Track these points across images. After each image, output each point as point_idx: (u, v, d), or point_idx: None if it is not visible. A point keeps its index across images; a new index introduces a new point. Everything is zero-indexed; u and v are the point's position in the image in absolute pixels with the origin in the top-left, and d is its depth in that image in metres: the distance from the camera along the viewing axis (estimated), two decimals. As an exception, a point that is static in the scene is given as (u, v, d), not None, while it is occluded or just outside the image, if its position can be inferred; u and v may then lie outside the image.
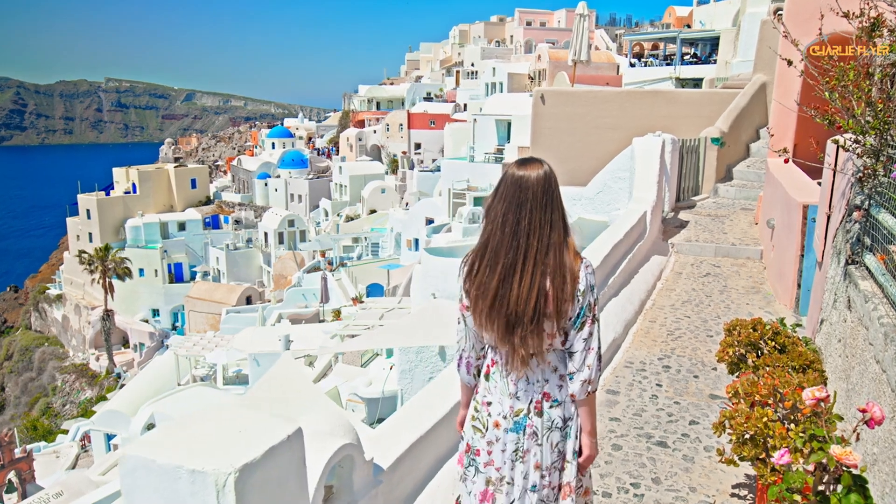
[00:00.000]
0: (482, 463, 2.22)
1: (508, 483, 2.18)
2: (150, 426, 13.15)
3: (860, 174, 3.42)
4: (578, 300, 2.10)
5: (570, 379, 2.15)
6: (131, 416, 19.06)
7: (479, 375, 2.30)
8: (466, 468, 2.27)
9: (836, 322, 3.74)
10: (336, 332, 20.79)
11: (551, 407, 2.16)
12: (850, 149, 3.29)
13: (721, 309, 6.34)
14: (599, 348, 2.19)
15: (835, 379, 3.62)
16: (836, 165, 4.14)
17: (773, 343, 3.73)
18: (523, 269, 2.07)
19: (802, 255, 6.07)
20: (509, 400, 2.17)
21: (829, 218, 4.24)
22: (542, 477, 2.16)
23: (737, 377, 3.87)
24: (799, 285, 6.16)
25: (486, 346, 2.27)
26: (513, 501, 2.18)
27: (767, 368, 3.40)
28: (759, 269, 7.78)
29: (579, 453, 2.22)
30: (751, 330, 3.79)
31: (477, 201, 32.49)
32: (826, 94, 3.24)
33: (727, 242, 8.51)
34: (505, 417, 2.17)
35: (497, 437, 2.19)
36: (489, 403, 2.22)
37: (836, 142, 3.26)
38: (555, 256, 2.09)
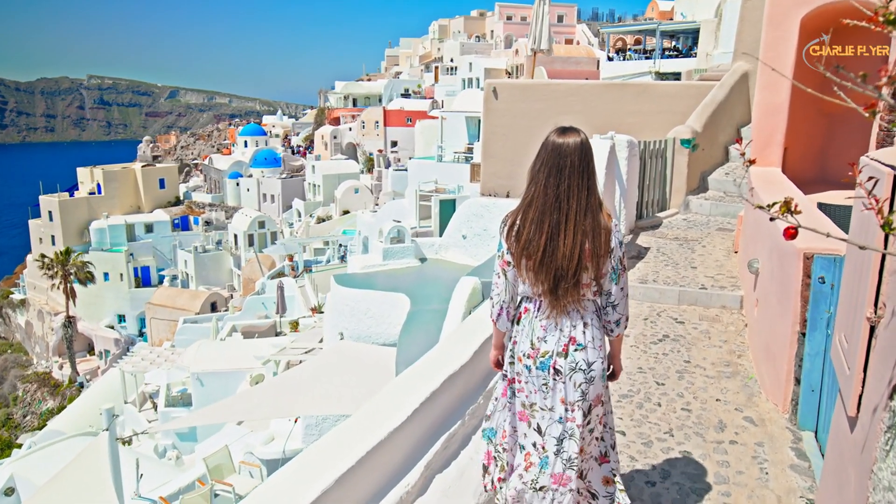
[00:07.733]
0: (517, 389, 2.57)
1: (541, 409, 2.51)
2: (10, 490, 10.74)
3: None
4: (612, 255, 2.41)
5: (617, 325, 2.53)
6: (74, 434, 16.69)
7: (513, 322, 2.59)
8: (510, 398, 2.61)
9: None
10: (269, 357, 18.46)
11: (576, 350, 2.42)
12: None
13: (675, 414, 4.05)
14: (628, 290, 2.59)
15: None
16: (891, 209, 1.83)
17: None
18: (566, 229, 2.34)
19: (804, 334, 3.80)
20: (537, 342, 2.46)
21: (872, 330, 1.96)
22: (567, 410, 2.44)
23: None
24: (798, 380, 3.89)
25: (521, 297, 2.54)
26: (540, 426, 2.51)
27: None
28: (739, 327, 5.51)
29: (612, 376, 2.66)
30: None
31: (444, 204, 30.41)
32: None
33: (696, 283, 6.22)
34: (528, 356, 2.49)
35: (520, 371, 2.53)
36: (516, 343, 2.55)
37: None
38: (592, 218, 2.37)
